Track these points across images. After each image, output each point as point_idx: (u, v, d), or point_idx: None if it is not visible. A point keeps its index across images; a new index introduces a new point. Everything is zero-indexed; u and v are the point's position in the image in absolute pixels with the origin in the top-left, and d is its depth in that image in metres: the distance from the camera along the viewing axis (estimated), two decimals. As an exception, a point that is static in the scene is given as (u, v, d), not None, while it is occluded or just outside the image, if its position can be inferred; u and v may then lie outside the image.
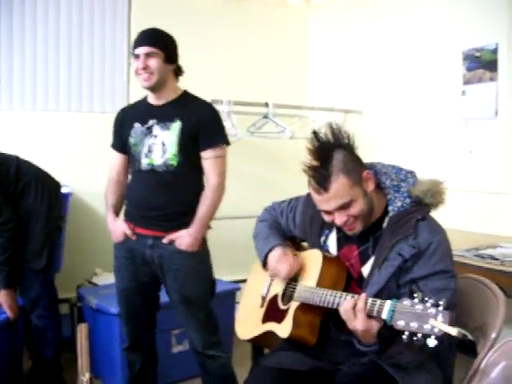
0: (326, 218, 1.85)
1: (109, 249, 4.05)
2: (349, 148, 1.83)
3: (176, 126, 2.54)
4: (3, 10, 3.89)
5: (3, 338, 2.81)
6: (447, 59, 3.78)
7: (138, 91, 4.27)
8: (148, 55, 2.50)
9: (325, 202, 1.79)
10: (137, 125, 2.61)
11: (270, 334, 1.99)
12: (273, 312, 2.04)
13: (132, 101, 4.24)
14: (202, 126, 2.55)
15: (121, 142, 2.70)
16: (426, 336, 1.48)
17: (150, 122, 2.58)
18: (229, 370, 2.75)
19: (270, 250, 2.05)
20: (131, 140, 2.62)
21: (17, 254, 2.89)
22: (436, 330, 1.46)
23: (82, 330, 2.99)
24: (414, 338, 1.49)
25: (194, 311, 2.62)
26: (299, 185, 3.52)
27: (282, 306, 2.01)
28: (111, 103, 4.28)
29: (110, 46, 4.27)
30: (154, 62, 2.51)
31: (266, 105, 4.29)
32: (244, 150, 4.37)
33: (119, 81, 4.31)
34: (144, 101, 2.71)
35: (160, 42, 2.55)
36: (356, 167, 1.80)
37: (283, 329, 1.91)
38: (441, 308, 1.48)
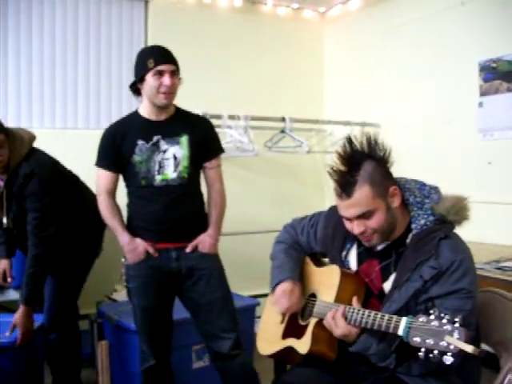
0: (346, 224, 1.85)
1: (128, 265, 4.10)
2: (381, 161, 1.82)
3: (184, 139, 2.61)
4: (10, 28, 3.96)
5: (23, 353, 2.82)
6: (464, 70, 3.77)
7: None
8: (173, 73, 2.55)
9: (345, 209, 1.79)
10: (140, 142, 2.59)
11: (290, 350, 1.99)
12: (292, 328, 2.03)
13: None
14: (207, 138, 2.70)
15: (115, 161, 2.64)
16: (442, 353, 1.47)
17: (155, 138, 2.60)
18: (250, 369, 2.78)
19: (281, 281, 2.05)
20: (136, 158, 2.59)
21: (46, 273, 2.92)
22: (452, 347, 1.45)
23: (103, 348, 3.01)
24: (431, 355, 1.48)
25: (228, 309, 2.69)
26: (317, 198, 3.54)
27: (301, 322, 2.01)
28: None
29: (126, 63, 4.31)
30: (176, 81, 2.58)
31: (283, 119, 4.31)
32: (261, 165, 4.40)
33: (126, 98, 4.33)
34: (137, 116, 2.68)
35: (176, 61, 2.62)
36: (384, 181, 1.79)
37: (303, 345, 1.91)
38: (457, 324, 1.47)
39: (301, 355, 1.93)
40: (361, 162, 1.78)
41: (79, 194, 3.16)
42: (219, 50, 3.61)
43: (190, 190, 2.66)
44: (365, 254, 1.93)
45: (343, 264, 1.98)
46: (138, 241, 2.63)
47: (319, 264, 2.14)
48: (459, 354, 1.45)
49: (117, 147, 2.62)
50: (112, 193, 2.69)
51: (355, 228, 1.80)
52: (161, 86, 2.52)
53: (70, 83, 4.11)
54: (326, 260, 2.13)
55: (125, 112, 4.26)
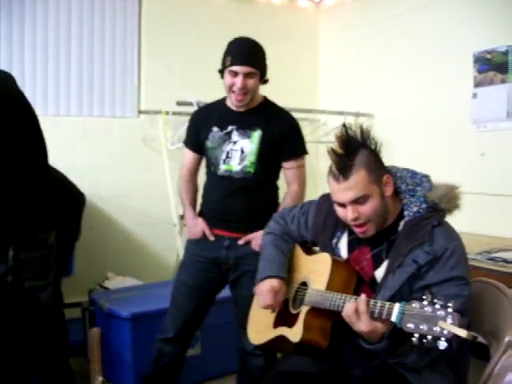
0: (339, 211, 1.85)
1: (120, 253, 4.11)
2: (374, 151, 1.84)
3: (256, 134, 2.58)
4: (15, 16, 3.93)
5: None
6: (458, 61, 3.77)
7: (148, 96, 4.35)
8: (247, 75, 2.52)
9: (341, 192, 1.79)
10: (215, 129, 2.63)
11: (281, 339, 1.98)
12: (284, 316, 2.03)
13: (143, 106, 4.32)
14: (285, 136, 2.61)
15: (196, 143, 2.72)
16: (435, 338, 1.47)
17: (230, 128, 2.61)
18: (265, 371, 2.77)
19: (267, 278, 2.05)
20: (208, 143, 2.64)
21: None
22: (445, 332, 1.45)
23: (95, 335, 3.00)
24: (424, 341, 1.49)
25: None
26: (310, 188, 3.49)
27: (292, 311, 2.01)
28: (122, 108, 4.31)
29: (120, 51, 4.29)
30: (252, 83, 2.54)
31: (277, 108, 4.29)
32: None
33: (130, 85, 4.33)
34: (222, 103, 2.70)
35: (259, 62, 2.60)
36: (378, 168, 1.81)
37: (294, 333, 1.91)
38: (450, 310, 1.47)
39: (292, 344, 1.92)
40: (357, 148, 1.79)
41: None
42: (213, 39, 3.57)
43: (254, 184, 2.60)
44: (355, 242, 1.93)
45: (334, 252, 1.98)
46: (199, 220, 2.70)
47: (310, 252, 2.14)
48: (453, 339, 1.46)
49: (197, 130, 2.71)
50: (193, 171, 2.80)
51: (349, 213, 1.79)
52: (233, 86, 2.52)
53: (63, 72, 4.08)
54: (317, 248, 2.14)
55: (117, 97, 4.28)
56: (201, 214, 2.75)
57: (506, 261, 2.68)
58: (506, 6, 3.48)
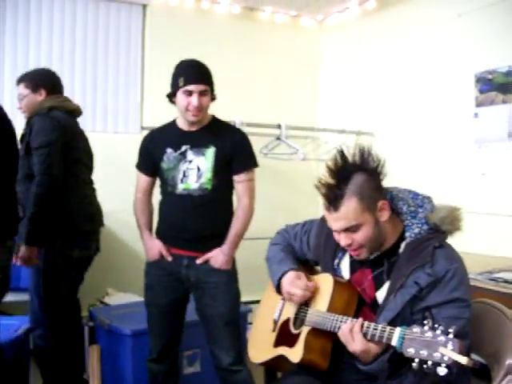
0: (335, 236, 1.86)
1: (120, 268, 4.10)
2: (373, 174, 1.82)
3: (210, 151, 2.63)
4: (8, 30, 3.97)
5: (8, 355, 2.78)
6: (460, 81, 3.79)
7: (151, 112, 4.37)
8: (202, 93, 2.57)
9: (333, 221, 1.81)
10: (169, 150, 2.67)
11: (282, 358, 1.98)
12: (285, 336, 2.03)
13: (145, 122, 4.34)
14: (236, 151, 2.66)
15: (150, 166, 2.76)
16: (436, 364, 1.46)
17: (183, 148, 2.65)
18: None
19: (284, 274, 2.05)
20: (164, 165, 2.68)
21: (45, 219, 2.86)
22: (446, 359, 1.44)
23: (94, 351, 3.00)
24: (424, 366, 1.48)
25: (228, 327, 2.67)
26: (311, 206, 3.52)
27: (293, 331, 2.00)
28: (124, 123, 4.33)
29: (124, 67, 4.33)
30: (205, 100, 2.60)
31: (279, 126, 4.32)
32: (256, 172, 4.37)
33: (133, 101, 4.36)
34: (173, 126, 2.75)
35: (209, 79, 2.64)
36: (373, 195, 1.79)
37: (295, 353, 1.90)
38: (451, 336, 1.47)
39: (292, 364, 1.92)
40: (351, 174, 1.78)
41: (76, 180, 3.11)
42: (216, 55, 3.61)
43: (212, 201, 2.64)
44: (357, 263, 1.93)
45: (336, 272, 1.98)
46: (156, 241, 2.74)
47: (312, 272, 2.14)
48: (453, 366, 1.45)
49: (150, 153, 2.75)
50: (147, 193, 2.83)
51: (342, 240, 1.81)
52: (189, 105, 2.57)
53: (67, 86, 4.09)
54: (319, 268, 2.14)
55: (120, 112, 4.30)
56: (158, 234, 2.78)
57: (507, 281, 2.68)
58: (507, 26, 3.51)
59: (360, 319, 1.69)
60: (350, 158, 1.82)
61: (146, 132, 4.26)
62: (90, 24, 4.20)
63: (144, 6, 4.39)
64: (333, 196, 1.76)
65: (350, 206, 1.75)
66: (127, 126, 4.34)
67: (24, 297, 3.37)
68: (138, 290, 3.89)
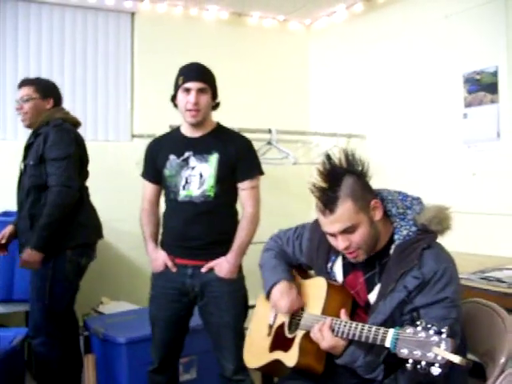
0: (331, 240, 1.86)
1: (115, 277, 4.09)
2: (361, 176, 1.84)
3: (214, 158, 2.60)
4: (8, 38, 3.97)
5: (3, 365, 2.76)
6: (448, 82, 3.81)
7: (141, 119, 4.37)
8: (200, 91, 2.56)
9: (329, 224, 1.80)
10: (172, 157, 2.66)
11: (277, 363, 1.98)
12: (280, 341, 2.03)
13: (136, 129, 4.34)
14: (240, 158, 2.64)
15: (155, 173, 2.74)
16: (429, 364, 1.47)
17: (186, 154, 2.63)
18: None
19: (276, 283, 2.05)
20: (166, 172, 2.66)
21: (58, 229, 2.87)
22: (439, 358, 1.45)
23: (89, 361, 2.99)
24: (418, 366, 1.48)
25: (231, 336, 2.65)
26: (303, 210, 3.52)
27: (288, 335, 2.00)
28: (115, 131, 4.33)
29: (113, 75, 4.33)
30: (204, 99, 2.58)
31: (269, 131, 4.33)
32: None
33: (123, 109, 4.36)
34: (177, 132, 2.75)
35: (210, 79, 2.64)
36: (365, 195, 1.81)
37: (290, 357, 1.91)
38: (444, 335, 1.47)
39: (288, 368, 1.92)
40: (341, 177, 1.79)
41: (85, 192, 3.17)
42: (205, 61, 3.61)
43: (215, 208, 2.61)
44: (349, 266, 1.94)
45: (329, 275, 1.98)
46: (161, 253, 2.71)
47: (305, 276, 2.14)
48: (446, 365, 1.46)
49: (153, 160, 2.73)
50: (153, 202, 2.80)
51: (340, 243, 1.80)
52: (187, 104, 2.56)
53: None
54: (312, 272, 2.14)
55: (111, 121, 4.30)
56: (162, 244, 2.75)
57: (499, 280, 2.68)
58: (494, 27, 3.53)
59: (328, 318, 1.78)
60: (336, 162, 1.83)
61: (136, 140, 4.29)
62: (79, 32, 4.20)
63: (132, 14, 4.39)
64: (327, 199, 1.77)
65: (345, 207, 1.75)
66: (118, 134, 4.34)
67: (17, 308, 3.37)
68: (132, 298, 3.90)
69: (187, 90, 2.56)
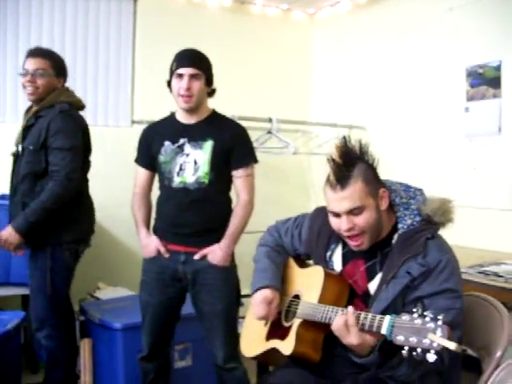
0: (334, 222, 1.86)
1: (112, 262, 4.09)
2: (371, 166, 1.86)
3: (208, 145, 2.60)
4: (9, 24, 3.94)
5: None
6: (451, 76, 3.80)
7: (142, 105, 4.35)
8: (192, 76, 2.55)
9: (337, 201, 1.80)
10: (167, 143, 2.65)
11: (274, 352, 1.98)
12: (276, 329, 2.03)
13: (136, 115, 4.32)
14: (235, 145, 2.64)
15: (148, 159, 2.74)
16: (425, 351, 1.47)
17: (181, 141, 2.63)
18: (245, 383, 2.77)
19: (260, 288, 2.05)
20: (161, 158, 2.66)
21: (49, 219, 2.80)
22: (435, 345, 1.45)
23: (86, 345, 3.00)
24: (414, 353, 1.48)
25: (222, 325, 2.65)
26: (302, 199, 3.51)
27: (285, 324, 2.01)
28: (115, 117, 4.31)
29: (114, 60, 4.30)
30: (196, 84, 2.57)
31: (270, 120, 4.31)
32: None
33: (123, 95, 4.33)
34: (172, 118, 2.74)
35: (204, 65, 2.62)
36: (375, 183, 1.83)
37: (286, 346, 1.91)
38: (439, 322, 1.47)
39: (285, 357, 1.92)
40: (355, 160, 1.81)
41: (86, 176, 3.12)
42: (207, 48, 3.61)
43: (209, 196, 2.61)
44: (349, 255, 1.94)
45: (327, 265, 1.98)
46: (153, 238, 2.71)
47: (303, 265, 2.15)
48: (442, 352, 1.46)
49: (148, 146, 2.72)
50: (146, 188, 2.80)
51: (343, 224, 1.80)
52: (180, 89, 2.56)
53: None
54: (310, 262, 2.14)
55: (111, 106, 4.28)
56: (155, 230, 2.75)
57: (497, 274, 2.69)
58: (498, 21, 3.51)
59: (351, 309, 1.67)
60: (352, 147, 1.85)
61: (136, 126, 4.28)
62: (80, 17, 4.16)
63: (135, 0, 4.36)
64: (341, 174, 1.78)
65: (356, 186, 1.77)
66: (118, 120, 4.32)
67: (14, 291, 3.37)
68: (128, 284, 3.89)
69: (180, 76, 2.55)
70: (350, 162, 1.80)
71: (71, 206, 2.88)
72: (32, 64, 2.88)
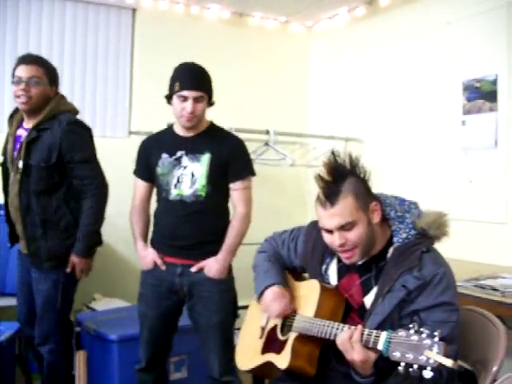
0: (326, 237, 1.85)
1: (108, 274, 4.08)
2: (362, 180, 1.85)
3: (206, 158, 2.60)
4: (8, 35, 3.95)
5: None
6: (447, 89, 3.81)
7: (139, 116, 4.36)
8: (196, 99, 2.55)
9: (328, 218, 1.79)
10: (164, 155, 2.65)
11: (269, 365, 1.97)
12: (272, 343, 2.02)
13: (133, 126, 4.33)
14: (232, 158, 2.64)
15: (147, 171, 2.74)
16: (421, 367, 1.46)
17: (179, 153, 2.63)
18: None
19: (269, 286, 2.05)
20: (159, 170, 2.66)
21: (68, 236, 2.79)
22: (431, 362, 1.45)
23: (81, 357, 2.96)
24: (410, 370, 1.48)
25: (218, 338, 2.65)
26: (299, 211, 3.51)
27: (280, 337, 2.00)
28: (112, 128, 4.32)
29: (112, 71, 4.31)
30: (200, 106, 2.57)
31: (267, 132, 4.32)
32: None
33: (121, 106, 4.34)
34: (170, 131, 2.74)
35: (206, 85, 2.62)
36: (366, 196, 1.82)
37: (282, 360, 1.90)
38: (436, 339, 1.47)
39: (280, 370, 1.91)
40: (345, 175, 1.80)
41: None
42: (205, 60, 3.63)
43: (206, 208, 2.61)
44: (345, 269, 1.93)
45: (323, 278, 1.98)
46: (150, 250, 2.72)
47: (299, 279, 2.14)
48: (439, 369, 1.46)
49: (147, 158, 2.73)
50: (145, 200, 2.81)
51: (336, 240, 1.79)
52: (183, 111, 2.55)
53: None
54: (306, 275, 2.13)
55: (108, 117, 4.28)
56: (152, 242, 2.75)
57: (494, 288, 2.68)
58: (495, 35, 3.53)
59: (359, 326, 1.67)
60: (341, 162, 1.84)
61: (133, 136, 4.28)
62: (79, 27, 4.19)
63: (134, 10, 4.38)
64: (330, 191, 1.77)
65: (345, 202, 1.76)
66: (115, 131, 4.33)
67: (10, 302, 3.35)
68: (124, 295, 3.88)
69: (183, 97, 2.54)
70: (340, 178, 1.79)
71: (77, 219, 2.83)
72: (25, 72, 2.73)
